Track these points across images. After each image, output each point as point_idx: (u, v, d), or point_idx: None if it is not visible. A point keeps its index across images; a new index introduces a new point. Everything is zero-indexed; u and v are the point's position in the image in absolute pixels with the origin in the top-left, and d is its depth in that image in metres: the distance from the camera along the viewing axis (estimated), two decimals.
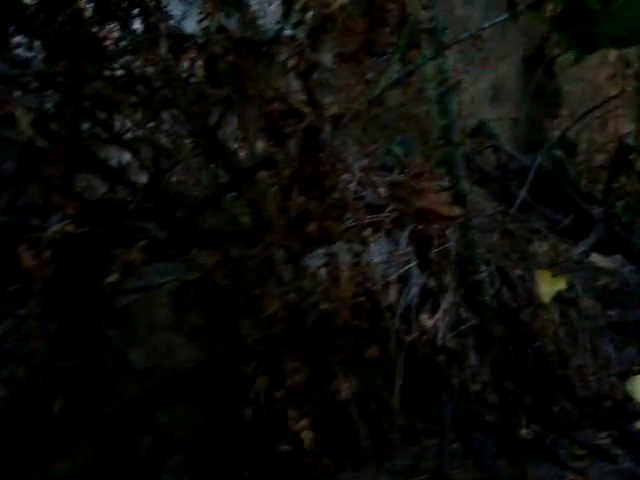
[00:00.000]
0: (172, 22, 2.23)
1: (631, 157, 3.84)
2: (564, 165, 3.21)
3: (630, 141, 3.95)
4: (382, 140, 3.28)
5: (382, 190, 2.13)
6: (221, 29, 2.16)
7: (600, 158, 4.14)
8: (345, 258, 1.74)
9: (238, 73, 1.88)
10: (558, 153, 3.23)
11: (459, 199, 1.40)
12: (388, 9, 1.54)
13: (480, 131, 3.51)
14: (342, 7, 1.79)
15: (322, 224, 1.65)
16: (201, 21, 2.18)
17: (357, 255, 1.66)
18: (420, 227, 1.44)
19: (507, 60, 3.85)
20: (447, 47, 1.80)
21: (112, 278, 1.47)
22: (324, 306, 1.57)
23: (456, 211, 1.40)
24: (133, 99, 1.89)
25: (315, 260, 1.75)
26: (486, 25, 2.09)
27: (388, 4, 1.53)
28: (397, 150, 3.40)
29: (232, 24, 2.23)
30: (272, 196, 1.56)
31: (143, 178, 2.25)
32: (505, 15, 2.14)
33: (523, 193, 2.46)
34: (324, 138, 1.74)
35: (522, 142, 3.88)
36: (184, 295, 1.71)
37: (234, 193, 1.67)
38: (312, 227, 1.61)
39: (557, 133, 3.83)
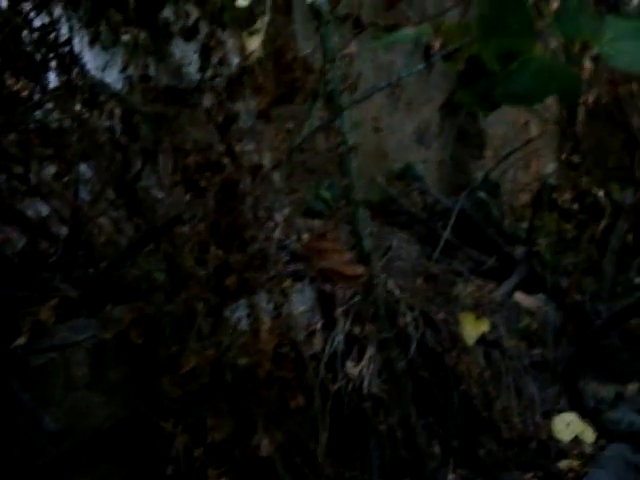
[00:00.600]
0: (91, 72, 2.21)
1: (553, 196, 3.97)
2: (488, 206, 3.29)
3: (552, 180, 4.08)
4: (309, 185, 3.31)
5: (306, 237, 2.14)
6: (143, 78, 2.16)
7: (524, 197, 4.26)
8: (266, 309, 1.73)
9: (156, 124, 1.88)
10: (481, 194, 3.31)
11: (363, 258, 1.42)
12: (295, 67, 1.56)
13: (406, 174, 3.58)
14: (259, 61, 1.81)
15: (242, 276, 1.64)
16: (123, 70, 2.17)
17: (278, 306, 1.65)
18: (324, 287, 1.45)
19: (431, 103, 3.94)
20: (349, 106, 1.84)
21: (21, 340, 1.44)
22: (244, 360, 1.56)
23: (359, 270, 1.42)
24: (48, 152, 1.87)
25: (236, 312, 1.73)
26: (403, 75, 2.14)
27: (294, 63, 1.56)
28: (325, 195, 3.43)
29: (156, 72, 2.24)
30: (189, 250, 1.55)
31: (64, 230, 2.21)
32: (421, 65, 2.20)
33: (446, 235, 2.50)
34: (243, 189, 1.75)
35: (448, 184, 3.96)
36: (102, 352, 1.67)
37: (150, 247, 1.65)
38: (231, 280, 1.60)
39: (481, 174, 3.93)
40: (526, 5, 1.28)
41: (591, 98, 1.30)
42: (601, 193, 4.34)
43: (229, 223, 1.61)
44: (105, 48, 2.38)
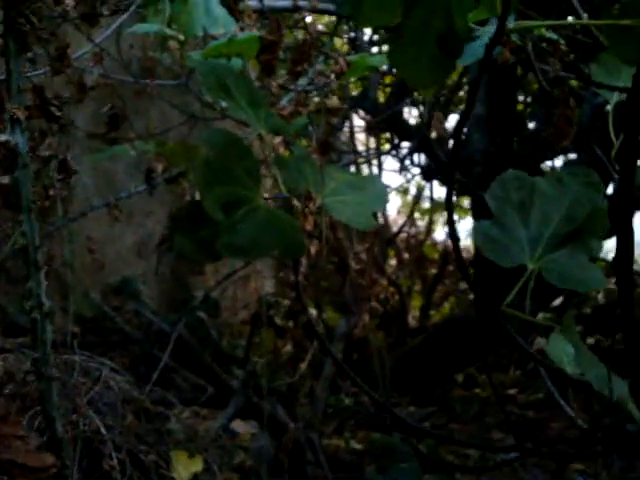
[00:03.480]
0: None
1: (271, 313, 4.03)
2: (206, 327, 3.22)
3: (270, 298, 4.15)
4: (13, 297, 3.01)
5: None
6: None
7: (242, 314, 4.28)
8: None
9: None
10: (201, 314, 3.23)
11: (54, 444, 1.23)
12: None
13: (124, 289, 3.40)
14: None
15: None
16: None
17: None
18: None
19: (153, 216, 3.85)
20: None
21: None
22: None
23: (49, 460, 1.23)
24: None
25: None
26: (123, 195, 2.03)
27: None
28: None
29: None
30: None
31: None
32: (142, 186, 2.11)
33: (162, 365, 2.36)
34: None
35: (168, 298, 3.84)
36: None
37: None
38: None
39: (201, 290, 3.87)
40: (252, 152, 1.24)
41: (314, 249, 1.30)
42: (314, 313, 4.49)
43: None
44: None
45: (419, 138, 2.69)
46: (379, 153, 3.21)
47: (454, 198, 4.75)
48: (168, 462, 2.04)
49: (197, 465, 2.06)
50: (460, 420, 3.83)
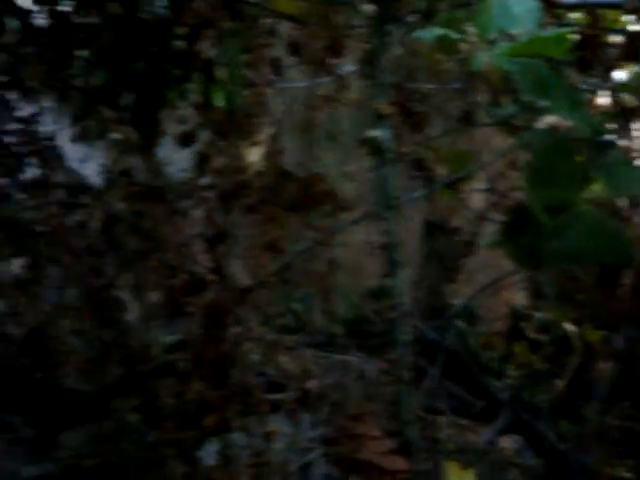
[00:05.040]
0: (69, 164, 2.08)
1: (522, 325, 3.86)
2: (465, 336, 3.15)
3: (522, 308, 3.98)
4: (282, 298, 3.15)
5: (287, 366, 1.96)
6: (124, 173, 2.01)
7: (496, 325, 4.15)
8: (243, 450, 1.53)
9: (139, 231, 1.72)
10: (460, 323, 3.17)
11: (405, 448, 1.21)
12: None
13: (382, 294, 3.43)
14: (259, 174, 1.68)
15: (221, 415, 1.45)
16: (107, 166, 2.04)
17: (260, 453, 1.45)
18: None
19: (410, 222, 3.85)
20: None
21: None
22: None
23: (402, 464, 1.22)
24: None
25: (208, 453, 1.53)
26: (404, 200, 2.03)
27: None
28: (297, 307, 3.27)
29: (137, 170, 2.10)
30: (168, 385, 1.36)
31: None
32: (421, 192, 2.11)
33: (436, 372, 2.33)
34: (230, 314, 1.58)
35: (422, 305, 3.82)
36: None
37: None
38: (210, 419, 1.41)
39: (455, 298, 3.80)
40: (575, 154, 1.17)
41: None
42: (570, 328, 4.24)
43: (214, 353, 1.43)
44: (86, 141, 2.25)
45: None
46: None
47: None
48: (441, 470, 2.00)
49: (469, 478, 2.01)
50: None
